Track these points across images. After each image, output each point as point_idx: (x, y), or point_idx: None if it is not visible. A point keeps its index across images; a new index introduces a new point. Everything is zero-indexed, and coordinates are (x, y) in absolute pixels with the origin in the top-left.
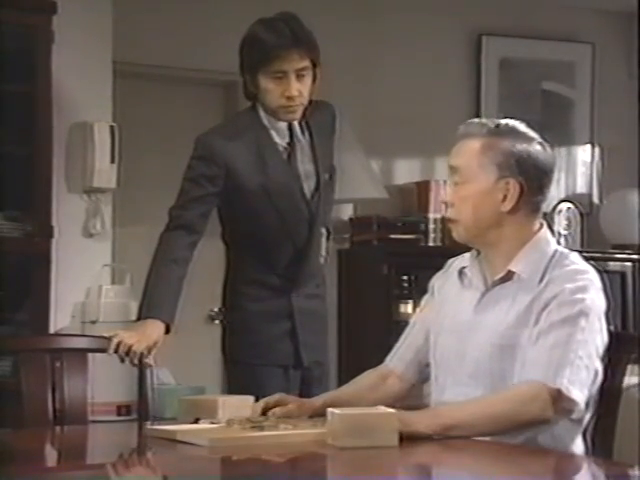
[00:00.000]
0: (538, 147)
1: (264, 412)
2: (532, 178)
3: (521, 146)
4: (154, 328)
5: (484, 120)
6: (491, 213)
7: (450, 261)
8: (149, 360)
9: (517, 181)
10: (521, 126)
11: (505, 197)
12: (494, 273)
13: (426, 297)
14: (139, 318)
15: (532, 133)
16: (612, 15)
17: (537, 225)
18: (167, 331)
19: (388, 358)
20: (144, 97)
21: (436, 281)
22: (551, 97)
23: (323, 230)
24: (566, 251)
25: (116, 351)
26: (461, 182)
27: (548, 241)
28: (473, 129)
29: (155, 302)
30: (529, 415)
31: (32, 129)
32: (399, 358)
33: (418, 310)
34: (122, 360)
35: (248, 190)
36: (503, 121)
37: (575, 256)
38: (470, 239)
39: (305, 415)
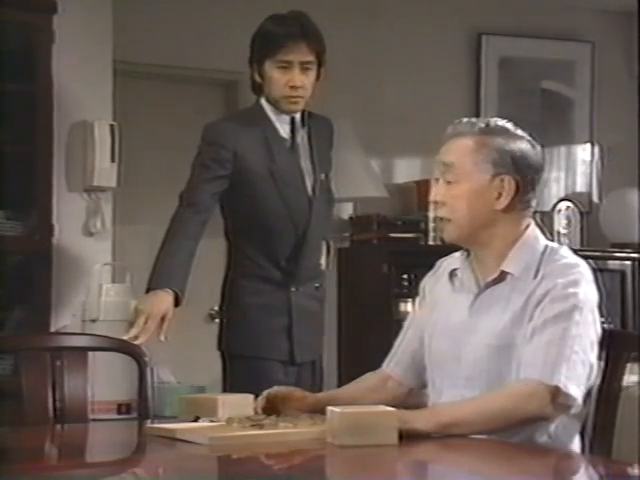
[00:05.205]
0: (529, 145)
1: (266, 407)
2: (526, 175)
3: (514, 144)
4: (163, 298)
5: (473, 119)
6: (485, 211)
7: (439, 262)
8: (161, 336)
9: (513, 178)
10: (510, 125)
11: (500, 195)
12: (486, 274)
13: (418, 299)
14: (148, 291)
15: (521, 132)
16: (612, 15)
17: (526, 223)
18: (177, 304)
19: (385, 363)
20: (144, 97)
21: (427, 282)
22: (551, 96)
23: (323, 243)
24: (556, 246)
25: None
26: (454, 180)
27: (537, 237)
28: (463, 128)
29: (164, 273)
30: (527, 413)
31: (32, 128)
32: (396, 363)
33: (411, 313)
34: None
35: (255, 174)
36: (492, 120)
37: (565, 250)
38: (462, 239)
39: (305, 408)
